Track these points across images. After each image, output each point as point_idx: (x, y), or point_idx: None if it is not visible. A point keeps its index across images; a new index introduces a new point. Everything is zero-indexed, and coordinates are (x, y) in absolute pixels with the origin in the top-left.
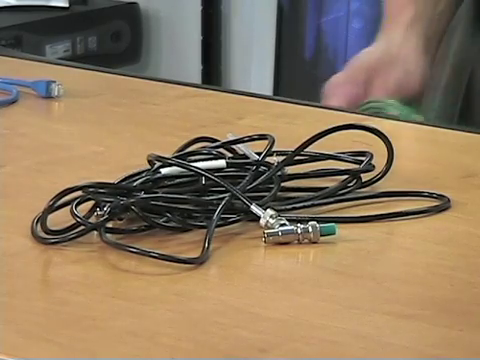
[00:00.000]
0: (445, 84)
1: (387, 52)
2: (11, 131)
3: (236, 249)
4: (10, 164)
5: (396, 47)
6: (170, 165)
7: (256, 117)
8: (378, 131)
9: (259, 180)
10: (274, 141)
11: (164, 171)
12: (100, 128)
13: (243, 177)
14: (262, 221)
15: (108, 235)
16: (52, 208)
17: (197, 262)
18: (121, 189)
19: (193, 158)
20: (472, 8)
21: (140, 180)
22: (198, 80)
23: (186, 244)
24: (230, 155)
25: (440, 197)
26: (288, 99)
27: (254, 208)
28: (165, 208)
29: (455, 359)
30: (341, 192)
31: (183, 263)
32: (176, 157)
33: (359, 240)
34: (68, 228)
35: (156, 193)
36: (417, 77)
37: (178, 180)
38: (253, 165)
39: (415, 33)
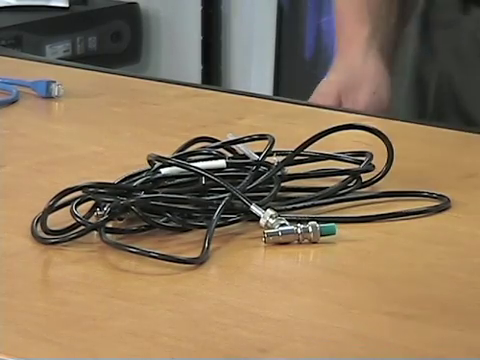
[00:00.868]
0: (405, 96)
1: (351, 74)
2: (11, 131)
3: (236, 249)
4: (10, 164)
5: (359, 68)
6: (170, 165)
7: (256, 117)
8: (378, 131)
9: (259, 180)
10: (274, 141)
11: (164, 171)
12: (100, 128)
13: (243, 177)
14: (262, 221)
15: (108, 235)
16: (52, 208)
17: (197, 262)
18: (121, 189)
19: (193, 158)
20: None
21: (140, 180)
22: (198, 80)
23: (186, 244)
24: (230, 155)
25: (440, 197)
26: (288, 99)
27: (254, 208)
28: (165, 208)
29: (455, 359)
30: (341, 192)
31: (183, 263)
32: (176, 157)
33: (359, 240)
34: (68, 228)
35: (156, 193)
36: (384, 92)
37: (178, 180)
38: (253, 165)
39: (374, 50)
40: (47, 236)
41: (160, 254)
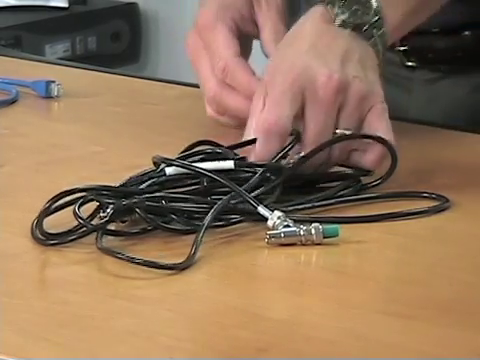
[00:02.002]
0: None
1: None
2: (11, 131)
3: (237, 249)
4: (10, 164)
5: None
6: (177, 166)
7: None
8: (383, 140)
9: (266, 186)
10: (299, 136)
11: (168, 172)
12: (100, 128)
13: (250, 179)
14: (270, 222)
15: (109, 237)
16: (48, 211)
17: (179, 268)
18: (126, 192)
19: (200, 159)
20: None
21: (147, 183)
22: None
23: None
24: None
25: (439, 197)
26: None
27: (261, 209)
28: (169, 209)
29: (455, 359)
30: (341, 193)
31: (165, 269)
32: (181, 158)
33: (359, 240)
34: (71, 230)
35: (160, 195)
36: (250, 23)
37: (185, 182)
38: (262, 167)
39: None
40: (47, 237)
41: (144, 260)
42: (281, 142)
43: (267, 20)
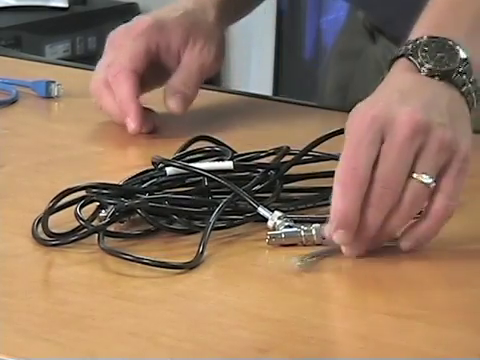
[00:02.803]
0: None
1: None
2: (11, 131)
3: (238, 250)
4: (10, 164)
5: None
6: (177, 167)
7: (256, 117)
8: None
9: (265, 183)
10: (288, 149)
11: (169, 172)
12: (100, 128)
13: (249, 178)
14: (270, 223)
15: (110, 238)
16: (52, 210)
17: (188, 267)
18: (127, 191)
19: (199, 159)
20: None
21: (148, 183)
22: None
23: (192, 246)
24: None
25: None
26: (288, 99)
27: (261, 210)
28: (171, 210)
29: (455, 359)
30: None
31: (174, 268)
32: (180, 157)
33: None
34: (72, 231)
35: (161, 195)
36: (172, 58)
37: (185, 181)
38: (261, 167)
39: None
40: (48, 238)
41: (152, 260)
42: (359, 193)
43: (186, 67)
